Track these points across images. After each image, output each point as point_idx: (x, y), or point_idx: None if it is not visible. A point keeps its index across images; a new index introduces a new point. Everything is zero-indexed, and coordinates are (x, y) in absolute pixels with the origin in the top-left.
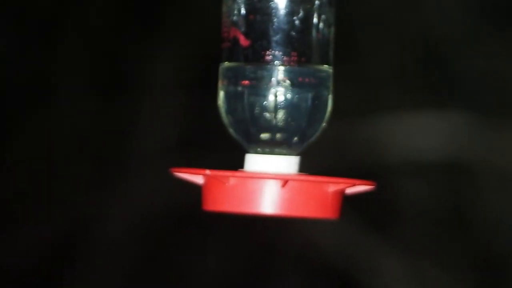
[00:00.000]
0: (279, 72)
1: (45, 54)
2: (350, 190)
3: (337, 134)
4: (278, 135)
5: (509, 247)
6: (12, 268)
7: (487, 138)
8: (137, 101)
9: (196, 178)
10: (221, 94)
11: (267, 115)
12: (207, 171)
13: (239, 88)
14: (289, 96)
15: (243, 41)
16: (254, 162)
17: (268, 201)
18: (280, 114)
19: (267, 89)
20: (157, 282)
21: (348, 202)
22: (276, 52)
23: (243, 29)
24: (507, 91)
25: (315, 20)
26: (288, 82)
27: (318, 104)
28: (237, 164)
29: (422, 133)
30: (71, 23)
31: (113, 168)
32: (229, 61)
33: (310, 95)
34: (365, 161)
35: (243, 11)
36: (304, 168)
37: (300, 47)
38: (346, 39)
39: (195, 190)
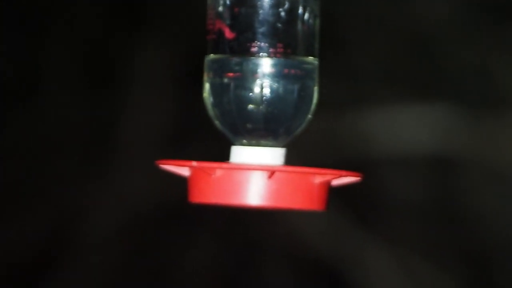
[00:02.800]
0: (265, 64)
1: (32, 46)
2: (336, 182)
3: (324, 127)
4: (264, 127)
5: (497, 239)
6: None
7: (474, 132)
8: (123, 94)
9: (182, 170)
10: (207, 86)
11: (253, 107)
12: (194, 163)
13: (225, 80)
14: (274, 88)
15: (228, 33)
16: (240, 154)
17: (255, 193)
18: (266, 106)
19: (253, 81)
20: (144, 276)
21: (335, 194)
22: (262, 44)
23: (228, 21)
24: (494, 84)
25: (300, 11)
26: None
27: (304, 96)
28: (223, 156)
29: (410, 126)
30: (58, 14)
31: (100, 161)
32: (214, 53)
33: (296, 87)
34: (352, 154)
35: (228, 3)
36: (291, 160)
37: (285, 39)
38: (334, 32)
39: (182, 183)
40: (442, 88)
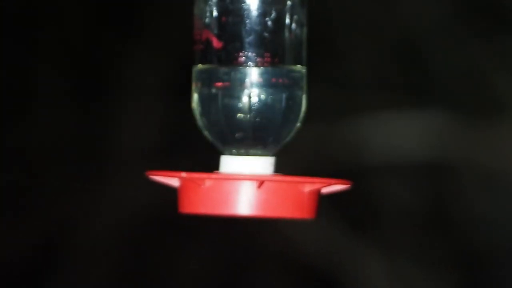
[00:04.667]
0: (253, 73)
1: (24, 56)
2: (326, 190)
3: (316, 135)
4: (252, 136)
5: (490, 245)
6: None
7: (467, 137)
8: (114, 104)
9: (172, 180)
10: (195, 96)
11: (242, 116)
12: (183, 174)
13: (213, 90)
14: (263, 97)
15: (216, 43)
16: (230, 163)
17: (244, 203)
18: (254, 115)
19: (241, 90)
20: (138, 284)
21: (328, 201)
22: (249, 54)
23: (215, 31)
24: (486, 90)
25: (287, 20)
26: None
27: (292, 105)
28: (213, 166)
29: (402, 133)
30: (49, 25)
31: (92, 171)
32: (202, 63)
33: (284, 96)
34: (345, 161)
35: (215, 13)
36: (282, 168)
37: (273, 48)
38: (325, 40)
39: (174, 192)
40: (434, 95)
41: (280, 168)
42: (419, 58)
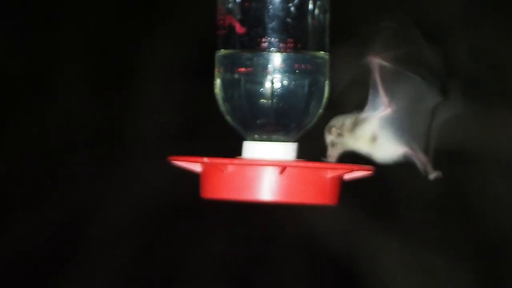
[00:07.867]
0: (276, 59)
1: (43, 42)
2: (348, 176)
3: None
4: (275, 122)
5: (508, 233)
6: (11, 255)
7: (485, 125)
8: (136, 90)
9: (194, 166)
10: (218, 81)
11: (264, 102)
12: (205, 159)
13: (236, 76)
14: (285, 83)
15: (239, 28)
16: (252, 149)
17: (266, 188)
18: (277, 101)
19: (264, 76)
20: (157, 269)
21: (348, 189)
22: (272, 39)
23: (238, 16)
24: (504, 77)
25: (310, 6)
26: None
27: (315, 91)
28: (235, 151)
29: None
30: (68, 12)
31: (112, 157)
32: (225, 48)
33: (306, 82)
34: None
35: None
36: (304, 154)
37: (296, 34)
38: (341, 24)
39: (194, 178)
40: (452, 81)
41: (302, 154)
42: (439, 46)
